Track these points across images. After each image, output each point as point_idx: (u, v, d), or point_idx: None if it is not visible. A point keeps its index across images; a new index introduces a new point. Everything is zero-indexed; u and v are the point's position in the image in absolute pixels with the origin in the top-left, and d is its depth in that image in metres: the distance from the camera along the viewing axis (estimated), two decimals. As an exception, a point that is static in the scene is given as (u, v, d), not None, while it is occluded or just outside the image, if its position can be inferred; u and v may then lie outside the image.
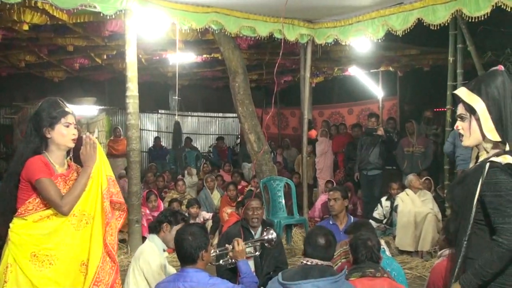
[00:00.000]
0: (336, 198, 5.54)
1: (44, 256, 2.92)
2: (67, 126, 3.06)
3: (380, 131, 8.76)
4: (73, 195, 2.97)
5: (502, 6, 5.37)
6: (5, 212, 3.01)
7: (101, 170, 3.12)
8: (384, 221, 7.88)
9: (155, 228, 4.23)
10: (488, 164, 2.41)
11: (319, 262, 3.15)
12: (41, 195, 2.94)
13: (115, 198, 3.20)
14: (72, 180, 3.08)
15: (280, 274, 3.13)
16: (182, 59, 11.02)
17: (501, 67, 2.52)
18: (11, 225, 2.96)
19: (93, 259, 3.03)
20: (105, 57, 11.18)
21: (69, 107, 3.14)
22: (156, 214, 7.17)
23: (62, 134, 3.05)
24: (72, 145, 3.10)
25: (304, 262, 3.19)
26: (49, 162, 3.02)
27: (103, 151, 3.21)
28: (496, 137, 2.45)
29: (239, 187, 9.29)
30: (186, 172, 10.65)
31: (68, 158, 3.19)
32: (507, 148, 2.45)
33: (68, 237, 2.98)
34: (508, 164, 2.37)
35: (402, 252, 7.13)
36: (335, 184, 9.62)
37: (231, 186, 8.64)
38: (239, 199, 8.28)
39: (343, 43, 7.52)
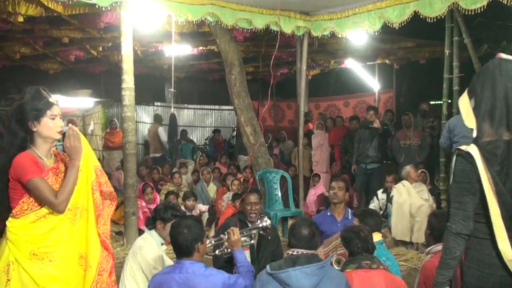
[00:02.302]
0: (340, 187, 5.60)
1: (43, 254, 2.86)
2: (53, 119, 2.94)
3: (377, 124, 8.77)
4: (66, 191, 2.88)
5: (499, -1, 5.37)
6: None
7: (88, 161, 3.05)
8: (380, 214, 7.91)
9: (150, 225, 4.25)
10: (456, 152, 2.51)
11: (305, 251, 3.19)
12: (34, 195, 2.85)
13: (104, 188, 3.13)
14: (62, 171, 3.00)
15: (268, 265, 3.18)
16: (178, 51, 11.00)
17: None
18: (8, 223, 2.88)
19: (93, 251, 3.02)
20: (100, 49, 11.14)
21: (53, 97, 3.02)
22: (152, 206, 7.18)
23: (49, 127, 2.93)
24: (58, 137, 2.99)
25: (290, 252, 3.23)
26: (37, 157, 2.91)
27: (87, 142, 3.11)
28: (472, 125, 2.50)
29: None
30: (179, 168, 10.55)
31: (54, 148, 3.09)
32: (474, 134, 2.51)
33: (65, 233, 2.93)
34: (467, 152, 2.43)
35: (397, 243, 7.18)
36: (321, 177, 9.68)
37: (235, 181, 8.59)
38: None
39: (340, 36, 7.51)
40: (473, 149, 2.41)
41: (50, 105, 2.96)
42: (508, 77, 2.45)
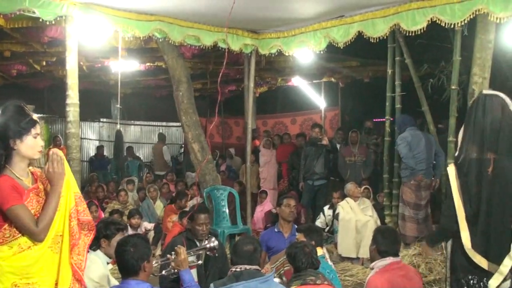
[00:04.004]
0: (295, 205, 5.69)
1: (25, 285, 2.75)
2: (35, 137, 2.84)
3: (325, 141, 8.92)
4: (46, 219, 2.76)
5: (437, 22, 5.59)
6: None
7: (69, 187, 2.93)
8: (326, 229, 8.01)
9: (94, 245, 4.12)
10: None
11: (247, 267, 3.22)
12: (14, 223, 2.71)
13: (82, 217, 3.01)
14: (42, 190, 2.88)
15: (212, 284, 3.20)
16: (125, 67, 10.85)
17: None
18: None
19: (63, 281, 2.89)
20: (44, 63, 10.85)
21: (34, 114, 2.92)
22: (97, 225, 7.01)
23: (31, 146, 2.82)
24: (38, 156, 2.88)
25: (233, 269, 3.26)
26: (15, 179, 2.77)
27: (69, 166, 3.00)
28: None
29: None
30: (125, 185, 10.35)
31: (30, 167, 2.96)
32: None
33: (48, 263, 2.83)
34: None
35: (343, 259, 7.27)
36: (268, 194, 9.74)
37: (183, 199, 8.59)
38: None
39: (287, 54, 7.61)
40: None
41: (34, 123, 2.86)
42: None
